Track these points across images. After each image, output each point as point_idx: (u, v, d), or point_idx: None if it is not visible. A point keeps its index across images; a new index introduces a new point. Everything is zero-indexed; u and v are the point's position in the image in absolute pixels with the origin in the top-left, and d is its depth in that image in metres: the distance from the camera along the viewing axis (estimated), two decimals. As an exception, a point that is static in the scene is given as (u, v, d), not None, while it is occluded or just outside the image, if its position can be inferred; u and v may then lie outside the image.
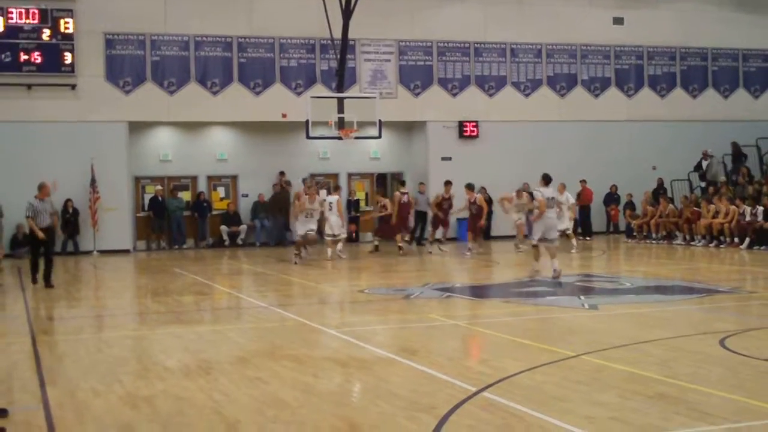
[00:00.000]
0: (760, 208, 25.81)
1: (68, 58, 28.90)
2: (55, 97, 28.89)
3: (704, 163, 33.28)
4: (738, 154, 33.37)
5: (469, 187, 25.93)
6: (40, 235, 18.64)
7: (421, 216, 30.22)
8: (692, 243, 27.47)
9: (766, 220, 25.44)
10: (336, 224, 24.88)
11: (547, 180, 19.27)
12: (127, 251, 29.57)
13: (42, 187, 19.04)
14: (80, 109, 29.07)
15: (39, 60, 28.64)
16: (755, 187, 29.08)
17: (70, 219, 28.65)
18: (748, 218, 26.00)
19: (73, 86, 29.05)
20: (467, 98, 32.83)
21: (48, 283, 18.74)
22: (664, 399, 7.92)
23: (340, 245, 24.96)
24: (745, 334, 11.24)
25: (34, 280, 19.11)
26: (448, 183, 26.78)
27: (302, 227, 24.07)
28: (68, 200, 28.53)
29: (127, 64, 29.73)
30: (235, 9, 30.72)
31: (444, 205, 26.58)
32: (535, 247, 19.23)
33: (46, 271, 18.84)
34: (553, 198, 19.35)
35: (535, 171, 32.05)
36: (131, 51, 29.82)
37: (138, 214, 31.36)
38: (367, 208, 33.78)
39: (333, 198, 25.14)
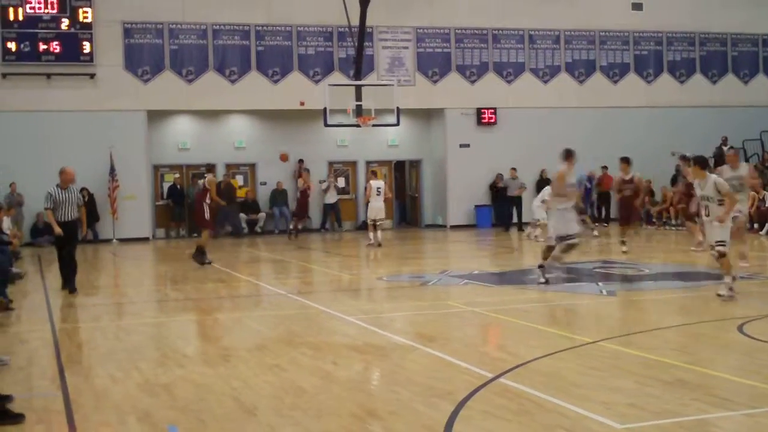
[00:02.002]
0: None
1: (87, 47, 29.01)
2: (73, 86, 29.00)
3: (724, 149, 33.06)
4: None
5: (625, 161, 21.39)
6: (57, 230, 15.57)
7: (514, 201, 30.68)
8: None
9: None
10: (382, 209, 24.92)
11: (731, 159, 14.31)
12: (146, 239, 29.70)
13: (62, 173, 15.89)
14: (99, 98, 29.17)
15: (58, 49, 28.75)
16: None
17: (90, 209, 28.71)
18: (767, 204, 25.86)
19: (92, 75, 29.16)
20: (485, 85, 32.77)
21: (71, 287, 15.94)
22: (683, 385, 7.90)
23: (380, 232, 24.89)
24: (764, 320, 11.18)
25: (65, 286, 16.16)
26: (625, 160, 21.44)
27: (564, 223, 15.40)
28: (83, 188, 28.06)
29: (146, 53, 29.81)
30: (252, -3, 30.75)
31: (625, 189, 21.26)
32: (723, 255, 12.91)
33: (69, 272, 16.11)
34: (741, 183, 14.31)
35: (553, 158, 32.16)
36: (149, 40, 29.89)
37: (157, 202, 31.48)
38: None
39: (380, 183, 24.96)
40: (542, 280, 15.14)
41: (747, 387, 7.73)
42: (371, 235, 24.71)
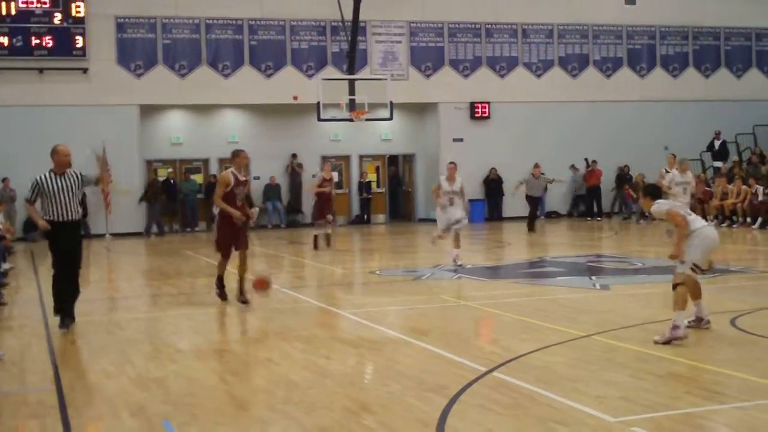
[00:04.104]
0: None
1: (80, 41, 28.94)
2: (66, 80, 28.94)
3: (716, 143, 33.18)
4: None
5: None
6: (42, 223, 11.17)
7: (533, 201, 27.23)
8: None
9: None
10: (459, 215, 17.92)
11: None
12: (139, 234, 29.64)
13: (54, 153, 11.40)
14: (92, 92, 29.11)
15: (50, 44, 28.68)
16: (767, 167, 28.99)
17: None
18: (760, 198, 25.91)
19: (85, 70, 29.10)
20: (478, 79, 32.76)
21: (67, 319, 11.52)
22: (675, 378, 7.93)
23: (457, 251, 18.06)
24: (756, 314, 11.23)
25: (58, 312, 11.63)
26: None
27: None
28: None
29: (139, 48, 29.75)
30: (245, -9, 30.70)
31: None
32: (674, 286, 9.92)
33: (67, 296, 11.64)
34: None
35: (546, 152, 32.31)
36: (142, 34, 29.83)
37: (150, 197, 31.43)
38: (378, 190, 33.86)
39: (455, 187, 17.89)
40: None
41: (739, 380, 7.76)
42: (455, 252, 17.75)
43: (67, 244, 11.35)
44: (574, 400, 7.19)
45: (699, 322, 9.98)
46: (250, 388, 8.08)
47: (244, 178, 13.27)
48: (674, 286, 9.66)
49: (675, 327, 9.30)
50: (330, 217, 22.16)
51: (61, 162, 11.33)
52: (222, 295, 13.43)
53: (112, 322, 12.35)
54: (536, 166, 27.91)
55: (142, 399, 7.78)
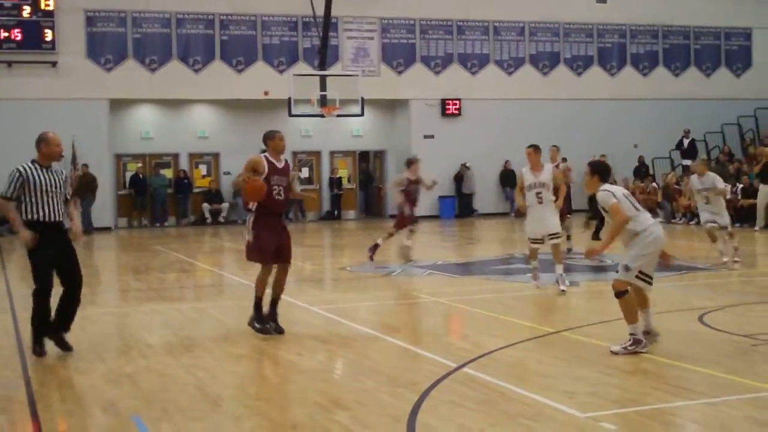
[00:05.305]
0: (740, 186, 25.94)
1: (49, 35, 28.71)
2: (35, 74, 28.71)
3: (685, 141, 33.43)
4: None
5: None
6: (25, 235, 9.07)
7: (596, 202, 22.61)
8: (673, 220, 27.60)
9: (745, 198, 25.56)
10: (551, 223, 13.66)
11: None
12: (108, 229, 29.49)
13: (43, 141, 9.37)
14: (61, 86, 28.89)
15: (19, 37, 28.43)
16: (735, 165, 29.20)
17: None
18: (728, 196, 26.08)
19: (54, 64, 28.89)
20: (450, 76, 32.81)
21: (62, 343, 9.63)
22: (644, 374, 8.00)
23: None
24: (723, 311, 11.33)
25: (38, 346, 9.44)
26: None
27: None
28: (84, 165, 28.39)
29: (108, 42, 29.56)
30: (216, -14, 30.59)
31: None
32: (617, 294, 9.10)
33: (63, 314, 9.80)
34: None
35: (517, 150, 32.30)
36: (112, 28, 29.64)
37: (119, 192, 31.28)
38: (349, 186, 33.88)
39: (543, 178, 13.48)
40: None
41: (706, 376, 7.84)
42: (533, 265, 13.89)
43: (60, 252, 9.41)
44: (544, 396, 7.24)
45: (646, 335, 8.96)
46: (221, 384, 8.07)
47: (282, 165, 10.53)
48: (617, 295, 8.89)
49: (636, 342, 8.74)
50: (412, 227, 17.74)
51: (51, 153, 9.38)
52: (264, 328, 10.33)
53: (82, 317, 12.26)
54: (602, 156, 24.59)
55: (113, 395, 7.76)
